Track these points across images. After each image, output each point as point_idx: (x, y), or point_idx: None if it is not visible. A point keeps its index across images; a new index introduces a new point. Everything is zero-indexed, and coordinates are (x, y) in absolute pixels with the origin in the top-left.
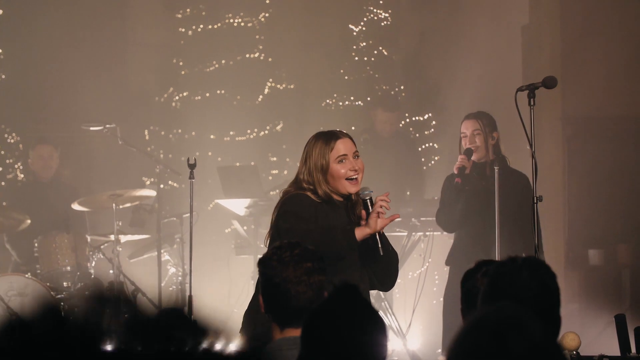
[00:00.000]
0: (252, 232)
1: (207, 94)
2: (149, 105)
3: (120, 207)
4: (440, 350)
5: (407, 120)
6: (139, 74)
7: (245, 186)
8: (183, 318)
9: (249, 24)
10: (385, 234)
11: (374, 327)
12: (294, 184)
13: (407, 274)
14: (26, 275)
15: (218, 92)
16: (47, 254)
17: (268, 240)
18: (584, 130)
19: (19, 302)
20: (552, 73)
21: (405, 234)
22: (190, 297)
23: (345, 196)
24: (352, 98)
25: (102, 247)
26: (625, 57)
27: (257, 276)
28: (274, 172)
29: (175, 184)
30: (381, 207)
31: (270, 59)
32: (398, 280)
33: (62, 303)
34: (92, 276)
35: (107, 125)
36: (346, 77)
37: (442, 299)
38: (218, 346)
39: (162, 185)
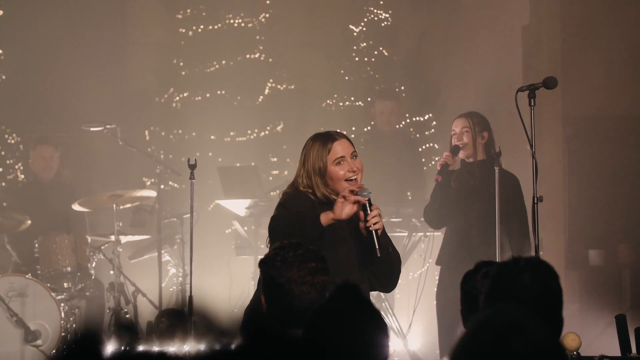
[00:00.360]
0: (252, 233)
1: (208, 95)
2: (150, 106)
3: (121, 207)
4: (438, 352)
5: (408, 120)
6: (139, 74)
7: (246, 187)
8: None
9: (250, 25)
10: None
11: (376, 327)
12: (292, 186)
13: (407, 275)
14: (27, 276)
15: (218, 92)
16: (47, 255)
17: (268, 240)
18: (584, 131)
19: (19, 303)
20: (553, 73)
21: (406, 234)
22: (190, 297)
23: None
24: (352, 98)
25: (102, 247)
26: (625, 57)
27: (257, 276)
28: (275, 172)
29: (175, 185)
30: (349, 192)
31: (270, 60)
32: (399, 281)
33: (62, 304)
34: (93, 277)
35: (108, 126)
36: (346, 78)
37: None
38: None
39: (162, 186)
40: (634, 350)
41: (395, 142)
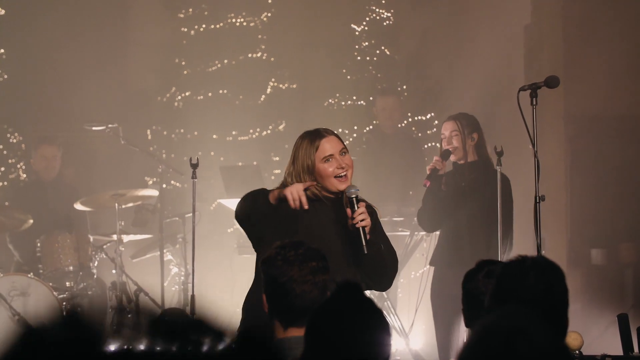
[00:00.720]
0: None
1: (210, 94)
2: (151, 105)
3: (123, 206)
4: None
5: (410, 119)
6: (141, 73)
7: (248, 186)
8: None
9: (251, 24)
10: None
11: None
12: (282, 185)
13: (409, 274)
14: (29, 275)
15: (220, 91)
16: (49, 254)
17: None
18: (586, 130)
19: (21, 302)
20: (555, 72)
21: (408, 233)
22: (192, 296)
23: (336, 193)
24: (354, 97)
25: (104, 246)
26: (628, 56)
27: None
28: (277, 171)
29: (177, 184)
30: (309, 186)
31: (272, 59)
32: (400, 280)
33: (64, 303)
34: (95, 276)
35: (110, 125)
36: (348, 77)
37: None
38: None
39: (164, 185)
40: (636, 349)
41: (397, 141)
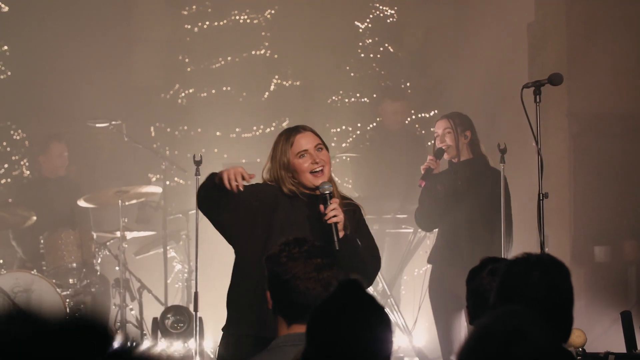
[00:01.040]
0: None
1: (213, 91)
2: (155, 102)
3: (126, 203)
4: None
5: (413, 117)
6: (144, 70)
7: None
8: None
9: (255, 21)
10: (391, 231)
11: (379, 323)
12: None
13: (413, 271)
14: (32, 272)
15: (224, 88)
16: (53, 251)
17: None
18: (590, 127)
19: (24, 299)
20: (558, 70)
21: (411, 230)
22: (196, 293)
23: (314, 189)
24: (358, 95)
25: (108, 243)
26: (631, 54)
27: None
28: None
29: (181, 181)
30: (241, 176)
31: (276, 56)
32: (404, 277)
33: (67, 300)
34: (98, 273)
35: (113, 122)
36: (352, 74)
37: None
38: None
39: (168, 182)
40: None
41: (401, 138)
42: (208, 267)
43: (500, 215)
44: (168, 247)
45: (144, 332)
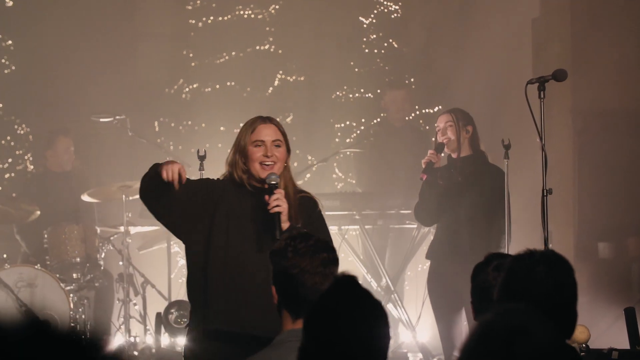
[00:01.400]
0: None
1: (217, 86)
2: (159, 97)
3: (130, 198)
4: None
5: (417, 112)
6: (149, 65)
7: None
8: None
9: (259, 16)
10: (395, 226)
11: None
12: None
13: (416, 267)
14: (36, 267)
15: (228, 83)
16: (56, 245)
17: None
18: (594, 123)
19: (28, 293)
20: (562, 66)
21: (415, 226)
22: None
23: (262, 182)
24: (362, 90)
25: (111, 238)
26: (636, 50)
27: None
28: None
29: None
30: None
31: (280, 51)
32: (407, 273)
33: (71, 295)
34: (102, 268)
35: (117, 117)
36: (356, 69)
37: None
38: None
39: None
40: None
41: (405, 134)
42: None
43: (499, 211)
44: (172, 242)
45: (147, 327)
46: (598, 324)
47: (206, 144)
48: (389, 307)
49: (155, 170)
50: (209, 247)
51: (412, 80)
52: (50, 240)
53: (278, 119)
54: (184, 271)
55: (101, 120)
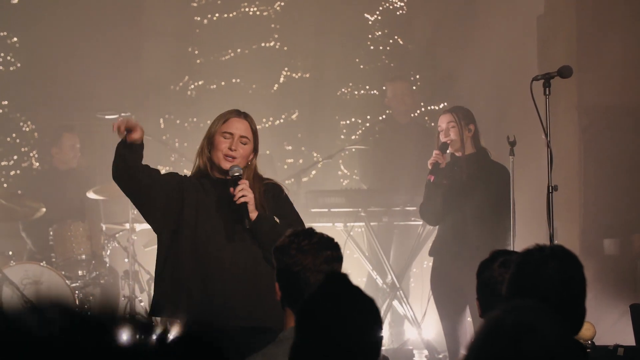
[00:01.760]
0: None
1: (223, 83)
2: (164, 94)
3: None
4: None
5: (423, 109)
6: (154, 62)
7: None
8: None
9: (265, 13)
10: (400, 223)
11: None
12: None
13: (422, 263)
14: (41, 264)
15: (233, 80)
16: (62, 243)
17: None
18: (599, 120)
19: (34, 290)
20: (568, 62)
21: (421, 223)
22: None
23: (227, 174)
24: (367, 87)
25: (117, 235)
26: None
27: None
28: (289, 160)
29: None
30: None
31: (285, 48)
32: (413, 270)
33: (77, 292)
34: (107, 265)
35: (123, 114)
36: (361, 66)
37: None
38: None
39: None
40: None
41: (410, 130)
42: None
43: (504, 208)
44: None
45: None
46: (604, 321)
47: None
48: (395, 304)
49: (119, 149)
50: (179, 238)
51: (417, 77)
52: (55, 237)
53: (284, 116)
54: None
55: (106, 117)
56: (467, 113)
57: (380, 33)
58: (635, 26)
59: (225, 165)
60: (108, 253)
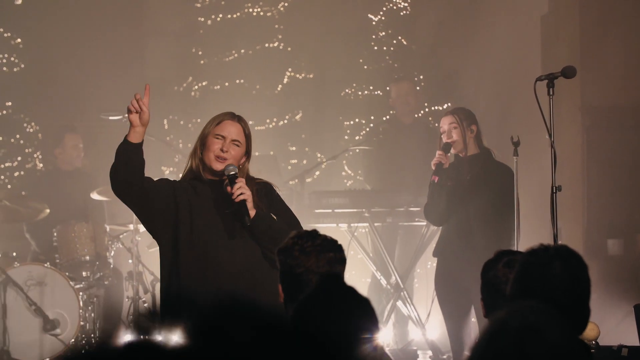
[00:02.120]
0: None
1: (226, 84)
2: (168, 95)
3: None
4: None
5: (426, 109)
6: (158, 63)
7: (264, 176)
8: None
9: (268, 14)
10: (404, 224)
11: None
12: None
13: (426, 264)
14: (45, 265)
15: (237, 81)
16: (66, 244)
17: None
18: (603, 120)
19: (38, 292)
20: (571, 63)
21: (425, 223)
22: None
23: (218, 175)
24: (371, 87)
25: (121, 236)
26: None
27: None
28: (293, 161)
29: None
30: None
31: (289, 49)
32: (417, 270)
33: (81, 293)
34: (111, 266)
35: (126, 115)
36: (365, 67)
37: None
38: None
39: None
40: None
41: (414, 131)
42: None
43: (508, 208)
44: None
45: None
46: (608, 321)
47: None
48: (399, 305)
49: (119, 151)
50: (177, 242)
51: (421, 77)
52: (59, 238)
53: (287, 117)
54: None
55: (110, 118)
56: (468, 114)
57: (384, 33)
58: (638, 26)
59: (216, 166)
60: (112, 254)
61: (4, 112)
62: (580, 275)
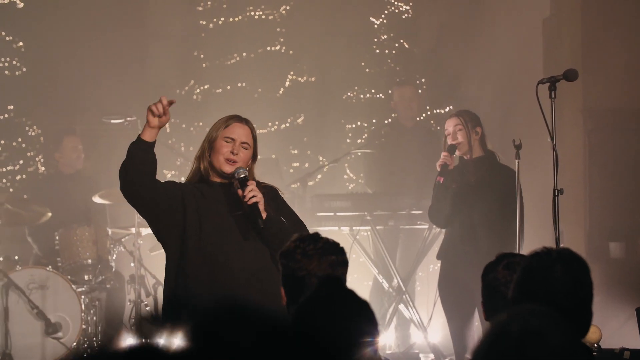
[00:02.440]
0: None
1: (228, 87)
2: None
3: None
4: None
5: (428, 112)
6: (159, 66)
7: (266, 179)
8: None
9: (270, 17)
10: (406, 227)
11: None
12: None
13: (428, 267)
14: (47, 268)
15: (239, 84)
16: (68, 247)
17: None
18: (605, 123)
19: (40, 295)
20: (573, 65)
21: (426, 226)
22: None
23: (227, 177)
24: (373, 90)
25: (123, 240)
26: None
27: None
28: (295, 164)
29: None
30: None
31: (291, 52)
32: (419, 273)
33: (82, 297)
34: (113, 269)
35: (128, 118)
36: (367, 70)
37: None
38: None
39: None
40: None
41: (416, 134)
42: None
43: (511, 211)
44: None
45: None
46: (610, 324)
47: None
48: (401, 308)
49: (132, 150)
50: (185, 245)
51: (422, 80)
52: (61, 241)
53: (289, 120)
54: None
55: (112, 121)
56: (473, 116)
57: (385, 37)
58: None
59: (227, 169)
60: (114, 257)
61: (6, 115)
62: (582, 279)
